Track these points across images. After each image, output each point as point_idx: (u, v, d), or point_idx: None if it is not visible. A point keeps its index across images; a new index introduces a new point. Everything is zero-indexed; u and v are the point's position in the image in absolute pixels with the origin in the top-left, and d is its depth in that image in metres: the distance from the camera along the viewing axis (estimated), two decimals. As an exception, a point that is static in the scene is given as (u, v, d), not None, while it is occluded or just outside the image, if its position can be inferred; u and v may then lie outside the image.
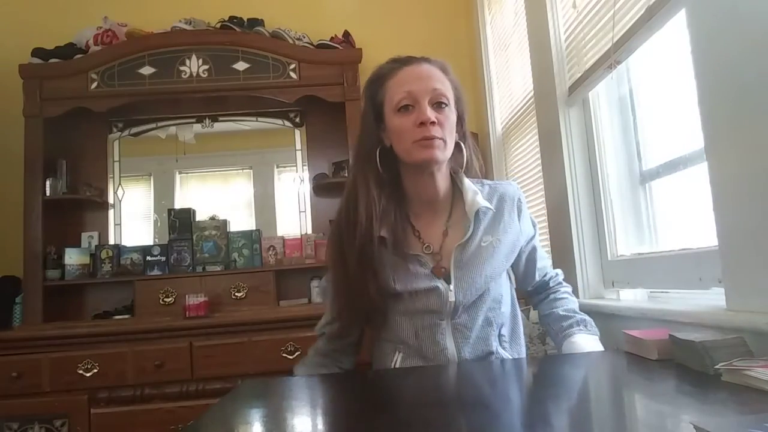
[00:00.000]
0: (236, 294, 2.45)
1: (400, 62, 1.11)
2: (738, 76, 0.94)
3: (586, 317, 1.18)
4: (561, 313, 1.19)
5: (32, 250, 2.36)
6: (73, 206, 2.63)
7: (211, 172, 2.90)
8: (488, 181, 1.19)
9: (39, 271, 2.37)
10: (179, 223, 2.65)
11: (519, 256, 1.19)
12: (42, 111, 2.45)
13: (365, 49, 2.62)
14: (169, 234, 2.63)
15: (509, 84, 2.43)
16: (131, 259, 2.55)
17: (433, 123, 1.04)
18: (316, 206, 2.79)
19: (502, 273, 1.14)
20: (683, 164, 1.29)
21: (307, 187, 2.81)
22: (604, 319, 1.34)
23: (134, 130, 2.80)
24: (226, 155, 2.88)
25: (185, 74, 2.54)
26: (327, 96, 2.56)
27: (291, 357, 2.06)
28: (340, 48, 2.65)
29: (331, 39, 2.69)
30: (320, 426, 0.74)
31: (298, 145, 2.86)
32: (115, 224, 2.73)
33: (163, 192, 2.81)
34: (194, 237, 2.60)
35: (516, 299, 1.20)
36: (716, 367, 0.76)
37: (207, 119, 2.83)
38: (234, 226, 2.69)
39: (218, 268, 2.55)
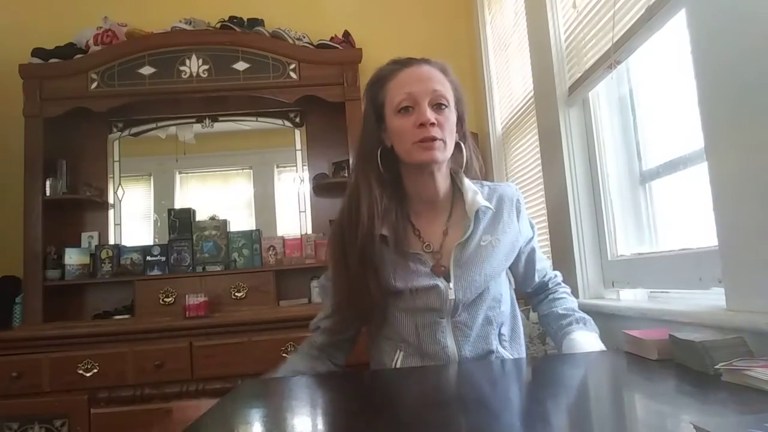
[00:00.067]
0: (236, 294, 2.45)
1: (401, 64, 1.12)
2: (738, 76, 0.94)
3: (585, 315, 1.18)
4: (560, 312, 1.20)
5: (32, 250, 2.36)
6: (73, 206, 2.63)
7: (211, 172, 2.90)
8: (487, 183, 1.20)
9: (39, 271, 2.37)
10: (179, 223, 2.65)
11: (518, 257, 1.21)
12: (42, 111, 2.45)
13: (365, 49, 2.62)
14: (169, 234, 2.63)
15: (509, 84, 2.42)
16: (131, 259, 2.55)
17: (432, 124, 1.05)
18: (316, 206, 2.79)
19: (501, 272, 1.15)
20: (683, 164, 1.29)
21: (307, 187, 2.81)
22: (604, 319, 1.34)
23: (134, 130, 2.80)
24: (226, 155, 2.88)
25: (185, 74, 2.54)
26: (327, 96, 2.56)
27: (291, 357, 2.06)
28: (340, 48, 2.65)
29: (331, 39, 2.69)
30: (320, 426, 0.74)
31: (298, 145, 2.86)
32: (115, 224, 2.73)
33: (163, 192, 2.81)
34: (194, 237, 2.60)
35: (515, 300, 1.21)
36: (716, 367, 0.76)
37: (207, 119, 2.83)
38: (234, 226, 2.69)
39: (218, 268, 2.55)
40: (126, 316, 2.42)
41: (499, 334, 1.12)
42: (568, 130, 1.72)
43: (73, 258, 2.50)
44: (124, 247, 2.59)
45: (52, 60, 2.53)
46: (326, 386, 1.01)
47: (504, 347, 1.12)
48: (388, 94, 1.11)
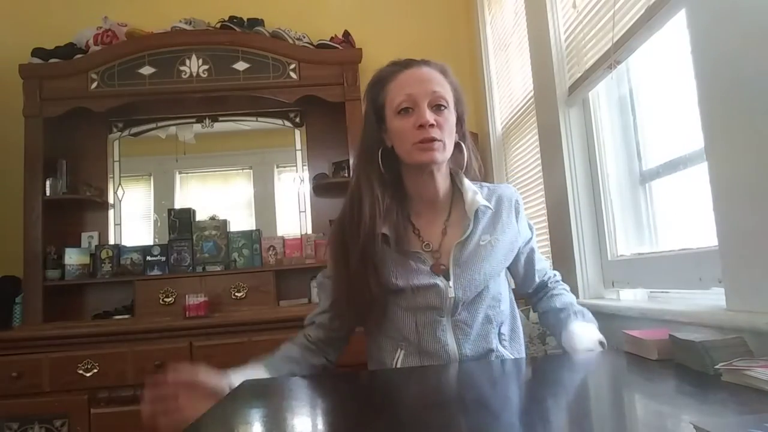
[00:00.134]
0: (236, 294, 2.45)
1: (401, 65, 1.13)
2: (738, 76, 0.94)
3: (584, 309, 1.20)
4: (558, 306, 1.21)
5: (32, 250, 2.36)
6: (73, 206, 2.63)
7: (211, 172, 2.90)
8: (486, 184, 1.22)
9: (39, 271, 2.37)
10: (179, 223, 2.65)
11: (518, 258, 1.22)
12: (42, 111, 2.45)
13: (365, 49, 2.62)
14: (169, 234, 2.63)
15: (509, 84, 2.43)
16: (131, 259, 2.55)
17: (432, 125, 1.06)
18: (316, 206, 2.79)
19: (500, 272, 1.16)
20: (683, 164, 1.29)
21: (307, 187, 2.81)
22: (604, 319, 1.34)
23: (134, 130, 2.80)
24: (226, 155, 2.88)
25: (185, 74, 2.54)
26: (327, 96, 2.56)
27: (291, 357, 2.06)
28: (340, 48, 2.65)
29: (331, 39, 2.69)
30: (320, 426, 0.74)
31: (298, 145, 2.86)
32: (115, 224, 2.73)
33: (163, 192, 2.81)
34: (194, 237, 2.60)
35: (514, 300, 1.22)
36: (716, 367, 0.76)
37: (207, 119, 2.83)
38: (234, 226, 2.69)
39: (218, 268, 2.55)
40: (126, 316, 2.42)
41: (499, 333, 1.13)
42: (568, 130, 1.72)
43: (73, 258, 2.50)
44: (124, 247, 2.59)
45: (52, 60, 2.53)
46: (326, 386, 1.01)
47: (504, 346, 1.13)
48: (388, 96, 1.12)
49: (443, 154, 1.08)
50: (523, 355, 1.19)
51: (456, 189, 1.18)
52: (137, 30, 2.68)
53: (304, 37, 2.68)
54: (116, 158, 2.78)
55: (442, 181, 1.14)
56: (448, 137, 1.09)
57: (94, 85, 2.50)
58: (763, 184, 0.89)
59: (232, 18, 2.68)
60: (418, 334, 1.08)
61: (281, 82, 2.55)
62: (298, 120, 2.86)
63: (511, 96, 2.39)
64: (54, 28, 2.71)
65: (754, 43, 0.90)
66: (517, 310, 1.22)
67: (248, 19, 2.72)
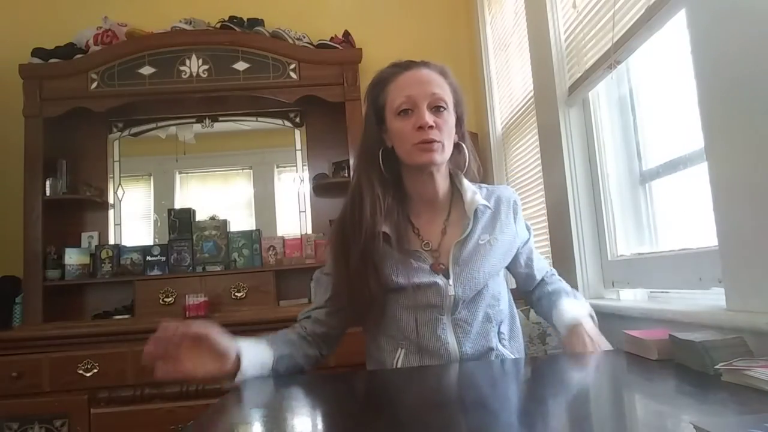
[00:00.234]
0: (236, 294, 2.45)
1: (401, 67, 1.14)
2: (738, 76, 0.94)
3: (576, 292, 1.23)
4: (550, 290, 1.24)
5: (32, 250, 2.36)
6: (73, 206, 2.63)
7: (211, 172, 2.90)
8: (485, 185, 1.23)
9: (39, 271, 2.37)
10: (179, 223, 2.65)
11: (518, 259, 1.24)
12: (42, 111, 2.45)
13: (365, 49, 2.62)
14: (169, 234, 2.63)
15: (509, 84, 2.42)
16: (131, 259, 2.55)
17: (431, 127, 1.07)
18: (316, 206, 2.79)
19: (499, 271, 1.18)
20: (683, 164, 1.29)
21: (307, 187, 2.81)
22: (604, 319, 1.34)
23: (134, 130, 2.80)
24: (226, 155, 2.88)
25: (185, 74, 2.54)
26: (327, 96, 2.56)
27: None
28: (340, 48, 2.65)
29: (331, 39, 2.69)
30: (320, 426, 0.74)
31: (298, 145, 2.86)
32: (115, 224, 2.73)
33: (163, 192, 2.81)
34: (194, 237, 2.60)
35: (513, 300, 1.24)
36: (716, 367, 0.76)
37: (207, 119, 2.83)
38: (234, 226, 2.69)
39: (218, 268, 2.55)
40: (126, 316, 2.42)
41: (499, 332, 1.14)
42: (568, 130, 1.72)
43: (73, 258, 2.50)
44: (124, 247, 2.59)
45: (52, 60, 2.53)
46: (326, 386, 1.01)
47: (504, 345, 1.14)
48: (388, 97, 1.13)
49: (442, 155, 1.10)
50: (523, 354, 1.20)
51: (455, 189, 1.20)
52: (137, 30, 2.68)
53: (304, 37, 2.68)
54: (116, 158, 2.78)
55: (442, 182, 1.16)
56: (447, 138, 1.10)
57: (94, 85, 2.50)
58: (763, 184, 0.89)
59: (232, 18, 2.68)
60: (418, 333, 1.09)
61: (281, 82, 2.55)
62: (298, 120, 2.86)
63: (511, 96, 2.39)
64: (54, 28, 2.71)
65: (754, 43, 0.90)
66: (515, 310, 1.24)
67: (248, 19, 2.72)
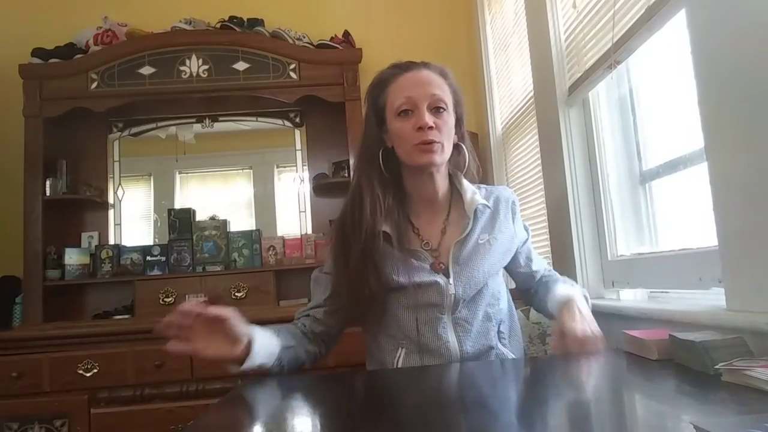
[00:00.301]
0: (236, 294, 2.45)
1: (401, 68, 1.15)
2: (738, 76, 0.94)
3: (570, 279, 1.24)
4: (545, 281, 1.25)
5: (32, 250, 2.36)
6: (73, 206, 2.63)
7: (211, 172, 2.90)
8: (484, 185, 1.24)
9: (39, 271, 2.37)
10: (179, 223, 2.65)
11: (517, 259, 1.25)
12: (42, 111, 2.45)
13: (365, 49, 2.62)
14: (169, 234, 2.63)
15: (509, 84, 2.42)
16: (131, 259, 2.55)
17: (431, 128, 1.08)
18: (316, 206, 2.79)
19: (498, 270, 1.19)
20: (683, 164, 1.29)
21: (307, 187, 2.81)
22: (604, 319, 1.34)
23: (134, 130, 2.80)
24: (226, 155, 2.88)
25: (185, 74, 2.54)
26: (327, 96, 2.56)
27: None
28: (340, 48, 2.65)
29: (331, 39, 2.69)
30: (320, 426, 0.74)
31: (298, 145, 2.86)
32: (115, 224, 2.73)
33: (163, 192, 2.81)
34: (194, 237, 2.60)
35: (512, 300, 1.25)
36: (716, 367, 0.76)
37: (207, 119, 2.83)
38: (234, 226, 2.69)
39: (218, 268, 2.55)
40: (126, 316, 2.42)
41: (498, 332, 1.15)
42: (568, 130, 1.72)
43: (73, 258, 2.50)
44: (124, 247, 2.59)
45: (52, 60, 2.53)
46: (326, 386, 1.01)
47: (503, 344, 1.14)
48: (388, 98, 1.14)
49: (442, 155, 1.11)
50: (522, 354, 1.21)
51: (455, 189, 1.21)
52: (137, 30, 2.68)
53: (304, 37, 2.68)
54: (116, 158, 2.78)
55: (442, 182, 1.17)
56: (446, 139, 1.11)
57: (94, 85, 2.50)
58: (763, 184, 0.89)
59: (232, 18, 2.68)
60: (419, 332, 1.09)
61: (281, 82, 2.55)
62: (298, 120, 2.86)
63: (511, 96, 2.39)
64: (54, 28, 2.71)
65: (753, 43, 0.90)
66: (515, 310, 1.24)
67: (248, 19, 2.72)
